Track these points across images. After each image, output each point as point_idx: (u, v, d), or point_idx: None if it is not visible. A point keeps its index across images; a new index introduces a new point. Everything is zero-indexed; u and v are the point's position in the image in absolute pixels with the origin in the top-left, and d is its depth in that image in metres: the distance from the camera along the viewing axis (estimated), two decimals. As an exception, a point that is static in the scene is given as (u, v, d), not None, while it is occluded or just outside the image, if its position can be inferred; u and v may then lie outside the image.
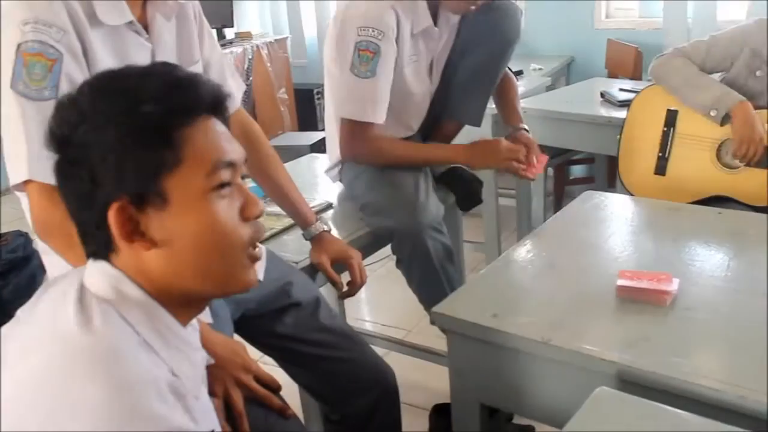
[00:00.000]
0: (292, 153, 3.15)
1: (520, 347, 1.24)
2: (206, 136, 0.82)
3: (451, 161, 2.04)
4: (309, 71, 5.30)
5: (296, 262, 1.66)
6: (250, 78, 4.60)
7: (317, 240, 1.66)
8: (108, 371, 0.70)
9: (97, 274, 0.82)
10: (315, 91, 5.08)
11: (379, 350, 2.70)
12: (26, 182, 1.17)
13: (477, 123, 2.14)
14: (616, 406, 0.98)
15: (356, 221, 1.95)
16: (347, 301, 2.41)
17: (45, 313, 0.81)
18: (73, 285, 0.82)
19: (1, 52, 1.16)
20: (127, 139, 0.77)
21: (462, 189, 2.11)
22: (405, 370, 2.62)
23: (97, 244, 0.82)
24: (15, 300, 1.49)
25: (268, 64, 4.78)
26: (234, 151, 0.86)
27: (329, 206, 2.05)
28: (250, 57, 4.60)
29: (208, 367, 1.19)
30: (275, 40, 4.95)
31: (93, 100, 0.80)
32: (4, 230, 1.72)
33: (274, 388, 1.28)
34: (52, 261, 1.31)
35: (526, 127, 2.13)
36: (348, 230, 1.90)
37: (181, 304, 0.85)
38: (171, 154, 0.79)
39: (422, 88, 2.02)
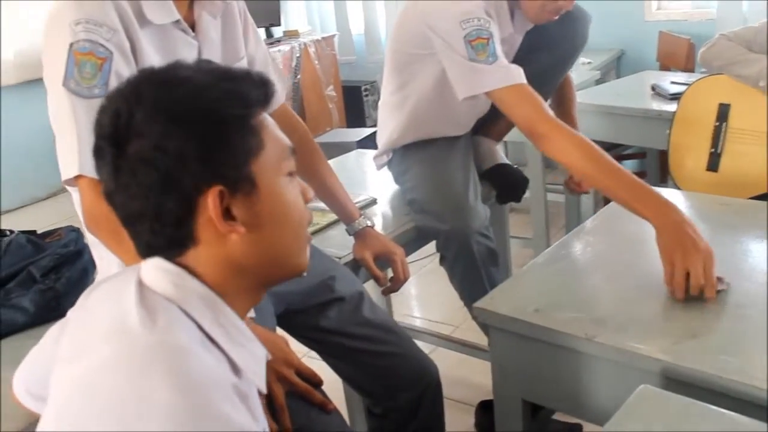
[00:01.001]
0: (339, 149, 3.16)
1: (562, 343, 1.23)
2: (273, 126, 0.86)
3: (641, 213, 1.42)
4: (357, 68, 5.32)
5: (339, 257, 1.67)
6: (298, 76, 4.65)
7: (360, 235, 1.66)
8: (175, 370, 0.70)
9: (155, 270, 0.81)
10: (363, 87, 5.11)
11: (426, 346, 2.71)
12: (77, 177, 1.20)
13: None
14: (660, 404, 0.96)
15: (402, 216, 1.95)
16: (394, 296, 2.42)
17: (100, 312, 0.81)
18: (131, 283, 0.81)
19: (54, 52, 1.20)
20: (215, 126, 0.79)
21: (505, 184, 2.09)
22: (451, 366, 2.62)
23: (169, 238, 0.81)
24: (68, 292, 1.53)
25: (316, 62, 4.82)
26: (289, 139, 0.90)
27: (374, 202, 2.05)
28: (297, 55, 4.65)
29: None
30: (322, 37, 4.99)
31: (161, 92, 0.80)
32: (58, 227, 1.77)
33: (316, 382, 1.29)
34: (100, 254, 1.35)
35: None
36: (394, 225, 1.91)
37: (246, 292, 0.86)
38: (255, 139, 0.82)
39: None
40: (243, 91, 0.82)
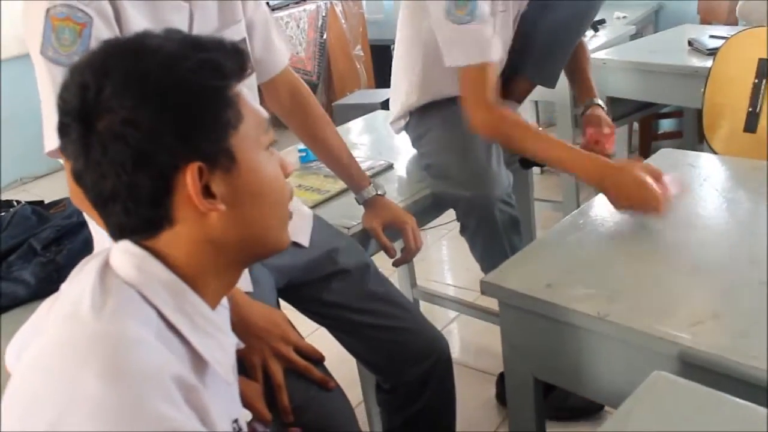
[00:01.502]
0: (363, 111, 3.08)
1: (573, 321, 1.15)
2: (248, 97, 0.81)
3: (577, 173, 1.58)
4: (386, 26, 5.18)
5: (348, 228, 1.61)
6: (325, 35, 4.55)
7: (370, 204, 1.60)
8: (111, 363, 0.66)
9: (121, 254, 0.78)
10: (392, 47, 4.97)
11: (449, 313, 2.65)
12: (60, 149, 1.15)
13: (551, 84, 2.00)
14: (673, 392, 0.89)
15: (419, 182, 1.87)
16: (417, 261, 2.35)
17: (73, 290, 0.78)
18: (98, 264, 0.78)
19: (31, 18, 1.14)
20: (189, 99, 0.74)
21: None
22: (474, 333, 2.56)
23: (144, 219, 0.77)
24: (69, 264, 1.50)
25: (343, 21, 4.70)
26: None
27: (390, 167, 1.98)
28: (323, 14, 4.54)
29: (246, 338, 1.17)
30: (350, -5, 4.86)
31: (131, 63, 0.74)
32: (64, 197, 1.74)
33: (317, 359, 1.24)
34: (95, 227, 1.31)
35: (600, 102, 1.98)
36: (410, 191, 1.83)
37: (224, 271, 0.82)
38: (232, 111, 0.77)
39: (505, 39, 1.90)
40: (218, 61, 0.77)
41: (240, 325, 1.16)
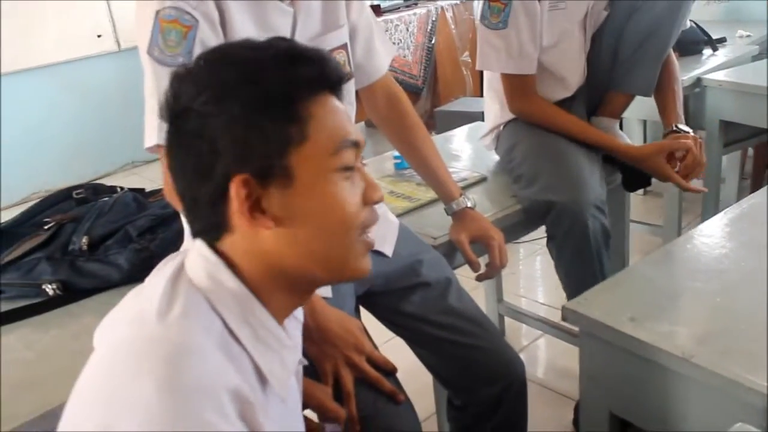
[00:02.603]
0: (464, 119, 3.06)
1: (655, 359, 1.10)
2: (331, 114, 0.80)
3: (614, 154, 1.88)
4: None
5: (435, 238, 1.60)
6: (433, 40, 4.55)
7: (459, 216, 1.58)
8: (166, 370, 0.67)
9: (197, 257, 0.80)
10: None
11: (533, 332, 2.59)
12: (158, 146, 1.20)
13: (647, 93, 1.93)
14: (755, 448, 0.83)
15: (512, 197, 1.83)
16: (507, 275, 2.30)
17: (148, 291, 0.80)
18: (174, 266, 0.80)
19: (142, 19, 1.19)
20: (253, 111, 0.75)
21: (631, 168, 1.93)
22: (559, 353, 2.50)
23: (206, 223, 0.80)
24: (161, 253, 1.55)
25: (452, 26, 4.69)
26: (356, 131, 0.83)
27: (483, 179, 1.96)
28: (434, 18, 4.54)
29: (321, 344, 1.18)
30: (461, 1, 4.84)
31: (213, 70, 0.77)
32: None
33: (389, 370, 1.24)
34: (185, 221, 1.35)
35: (685, 127, 1.88)
36: (501, 204, 1.80)
37: (287, 291, 0.81)
38: (297, 128, 0.77)
39: (572, 40, 1.86)
40: (293, 76, 0.77)
41: (316, 331, 1.17)
